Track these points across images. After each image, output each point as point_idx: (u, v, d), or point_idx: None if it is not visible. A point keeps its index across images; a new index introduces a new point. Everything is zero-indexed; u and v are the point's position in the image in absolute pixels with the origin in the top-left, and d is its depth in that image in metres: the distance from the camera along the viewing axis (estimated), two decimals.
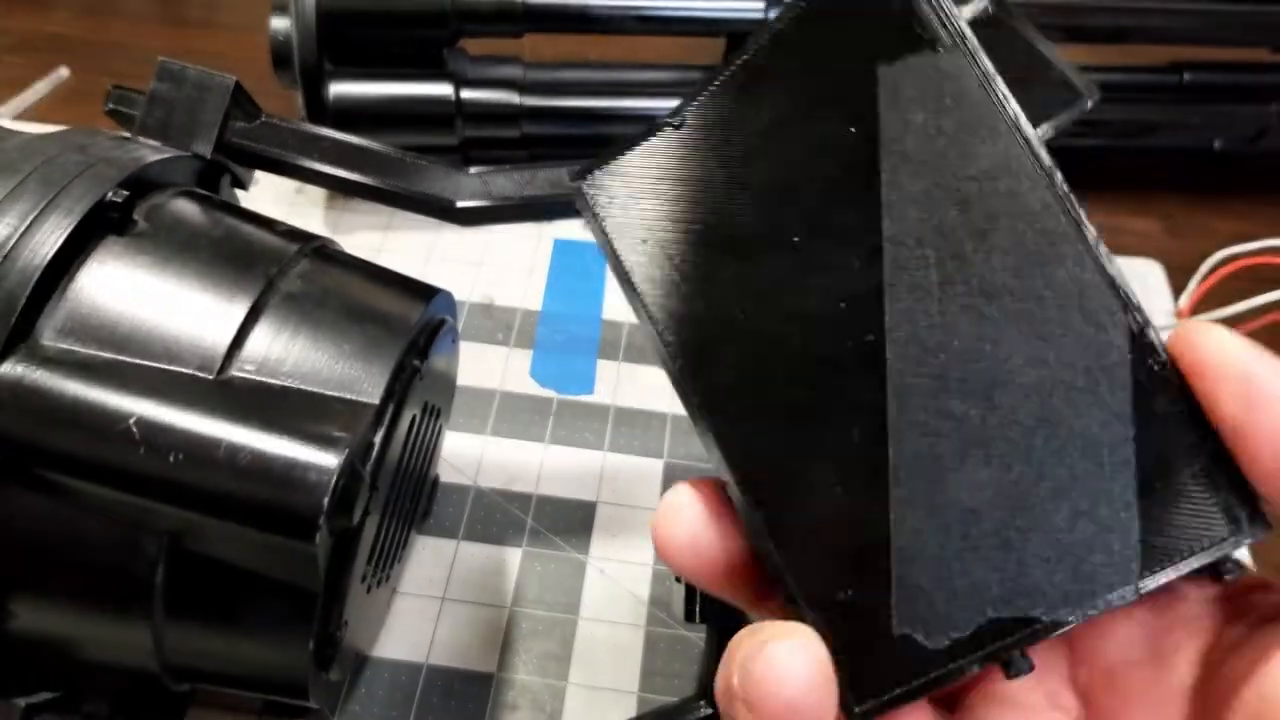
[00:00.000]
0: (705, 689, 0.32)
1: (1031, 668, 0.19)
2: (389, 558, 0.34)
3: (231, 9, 0.67)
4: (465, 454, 0.42)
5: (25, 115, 0.57)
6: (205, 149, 0.33)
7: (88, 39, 0.64)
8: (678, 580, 0.30)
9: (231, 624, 0.28)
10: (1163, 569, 0.19)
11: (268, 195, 0.51)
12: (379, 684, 0.35)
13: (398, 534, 0.34)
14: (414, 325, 0.30)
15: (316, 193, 0.53)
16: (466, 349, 0.38)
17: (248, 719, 0.34)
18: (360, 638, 0.33)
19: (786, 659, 0.18)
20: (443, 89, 0.48)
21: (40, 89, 0.59)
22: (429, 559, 0.39)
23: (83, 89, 0.60)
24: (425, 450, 0.35)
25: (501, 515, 0.40)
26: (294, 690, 0.29)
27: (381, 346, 0.29)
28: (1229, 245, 0.51)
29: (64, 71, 0.60)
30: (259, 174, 0.37)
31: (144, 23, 0.66)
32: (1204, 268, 0.50)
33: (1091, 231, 0.20)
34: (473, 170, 0.35)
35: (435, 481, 0.39)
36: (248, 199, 0.37)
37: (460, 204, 0.34)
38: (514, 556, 0.39)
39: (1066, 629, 0.19)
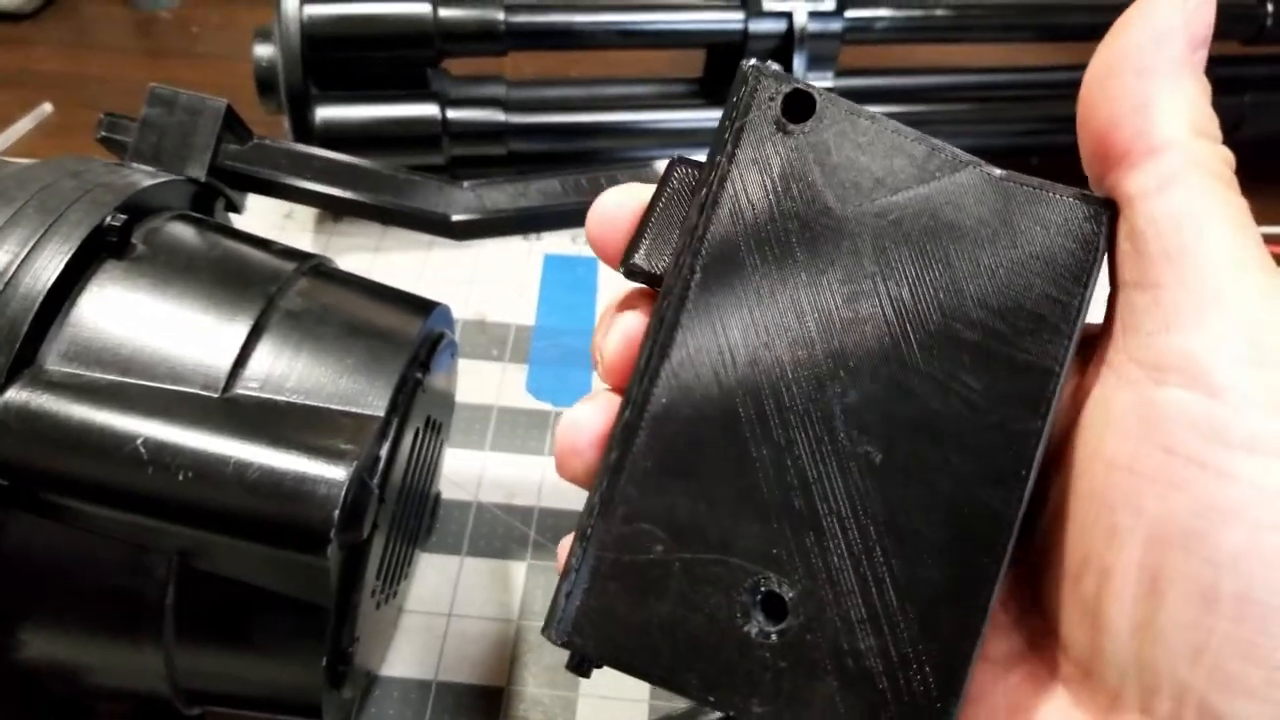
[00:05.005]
0: None
1: None
2: (396, 574, 0.34)
3: (209, 39, 0.68)
4: (465, 470, 0.42)
5: (10, 150, 0.57)
6: (199, 172, 0.33)
7: (69, 73, 0.64)
8: None
9: (243, 643, 0.28)
10: None
11: (257, 220, 0.51)
12: (388, 702, 0.35)
13: (403, 551, 0.34)
14: (415, 338, 0.30)
15: (305, 216, 0.53)
16: (462, 366, 0.38)
17: None
18: (370, 656, 0.33)
19: None
20: (429, 109, 0.49)
21: (24, 124, 0.59)
22: (434, 576, 0.39)
23: (66, 123, 0.60)
24: (428, 466, 0.35)
25: (504, 530, 0.40)
26: (306, 709, 0.29)
27: (384, 360, 0.29)
28: None
29: (47, 106, 0.60)
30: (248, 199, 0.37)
31: (124, 56, 0.66)
32: None
33: None
34: (465, 184, 0.36)
35: (437, 498, 0.39)
36: (236, 225, 0.37)
37: (455, 218, 0.35)
38: (519, 570, 0.39)
39: None
